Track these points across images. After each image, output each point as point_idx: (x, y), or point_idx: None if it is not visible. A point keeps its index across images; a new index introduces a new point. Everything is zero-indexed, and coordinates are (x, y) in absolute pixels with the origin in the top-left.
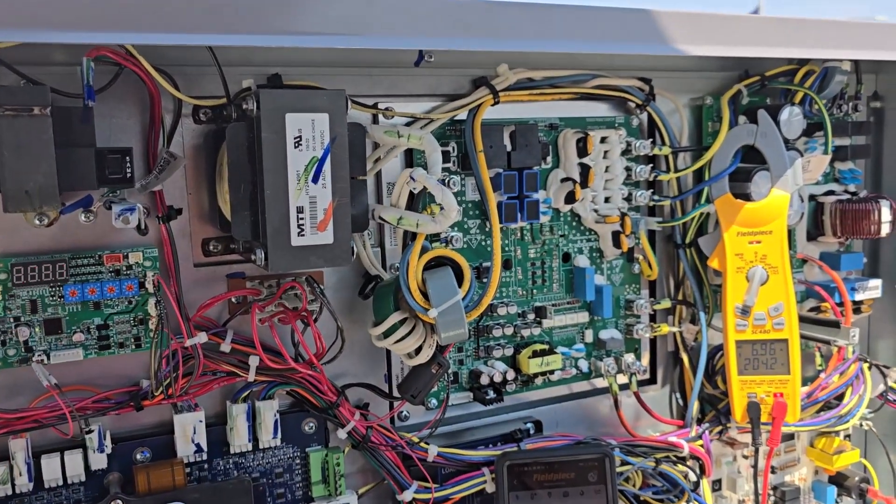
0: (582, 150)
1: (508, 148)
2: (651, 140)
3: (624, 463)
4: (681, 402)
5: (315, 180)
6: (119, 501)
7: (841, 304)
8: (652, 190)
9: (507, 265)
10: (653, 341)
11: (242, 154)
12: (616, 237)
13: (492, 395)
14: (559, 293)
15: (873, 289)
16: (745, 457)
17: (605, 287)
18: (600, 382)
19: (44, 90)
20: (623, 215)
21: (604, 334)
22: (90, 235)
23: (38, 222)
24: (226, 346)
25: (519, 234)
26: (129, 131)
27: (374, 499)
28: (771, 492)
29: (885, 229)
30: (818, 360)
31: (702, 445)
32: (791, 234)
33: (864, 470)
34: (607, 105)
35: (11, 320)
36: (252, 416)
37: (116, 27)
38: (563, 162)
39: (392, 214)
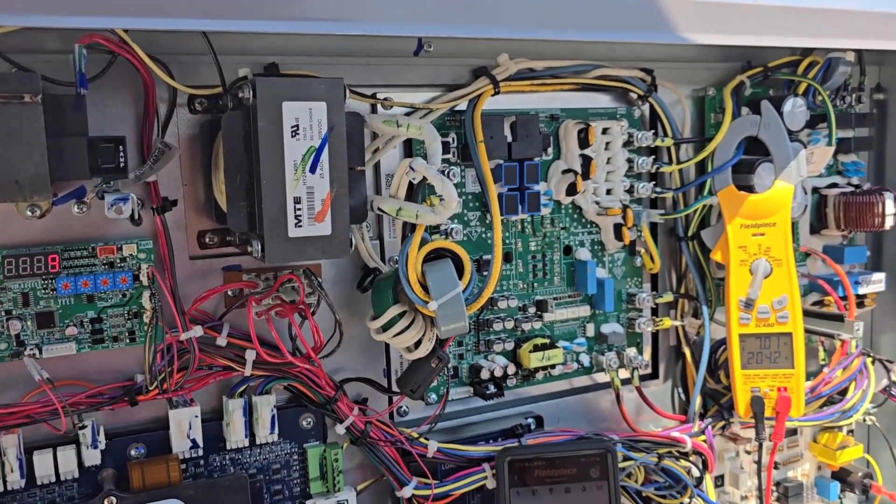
0: (583, 142)
1: (509, 139)
2: (653, 131)
3: (626, 458)
4: (683, 397)
5: (312, 170)
6: (113, 498)
7: (844, 298)
8: (654, 182)
9: (507, 258)
10: (654, 335)
11: (238, 144)
12: (618, 230)
13: (492, 389)
14: (560, 286)
15: (877, 282)
16: (748, 452)
17: (607, 280)
18: (601, 377)
19: (34, 77)
20: (625, 207)
21: (605, 328)
22: (83, 227)
23: (29, 213)
24: (222, 340)
25: (520, 227)
26: (123, 121)
27: (373, 495)
28: (774, 488)
29: (889, 222)
30: (821, 354)
31: (705, 441)
32: (794, 227)
33: (867, 465)
34: (609, 96)
35: (3, 313)
36: (249, 412)
37: (108, 12)
38: (565, 153)
39: (391, 205)
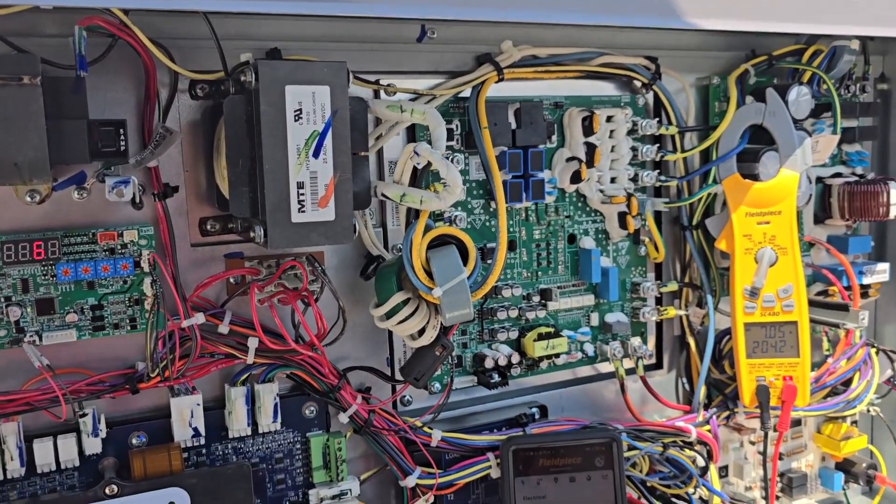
0: (588, 129)
1: (513, 126)
2: (657, 119)
3: (631, 448)
4: (687, 387)
5: (316, 155)
6: (115, 486)
7: (849, 288)
8: (658, 170)
9: (511, 246)
10: (659, 325)
11: (241, 128)
12: (622, 218)
13: (496, 378)
14: (564, 275)
15: (881, 272)
16: (753, 443)
17: (612, 269)
18: (605, 367)
19: (33, 58)
20: (629, 196)
21: (610, 318)
22: (83, 213)
23: (29, 199)
24: (224, 328)
25: (524, 215)
26: (123, 105)
27: (377, 485)
28: (778, 478)
29: (894, 212)
30: (825, 344)
31: (709, 430)
32: (798, 216)
33: (871, 456)
34: (613, 84)
35: (2, 300)
36: (251, 400)
37: None
38: (569, 141)
39: (395, 191)
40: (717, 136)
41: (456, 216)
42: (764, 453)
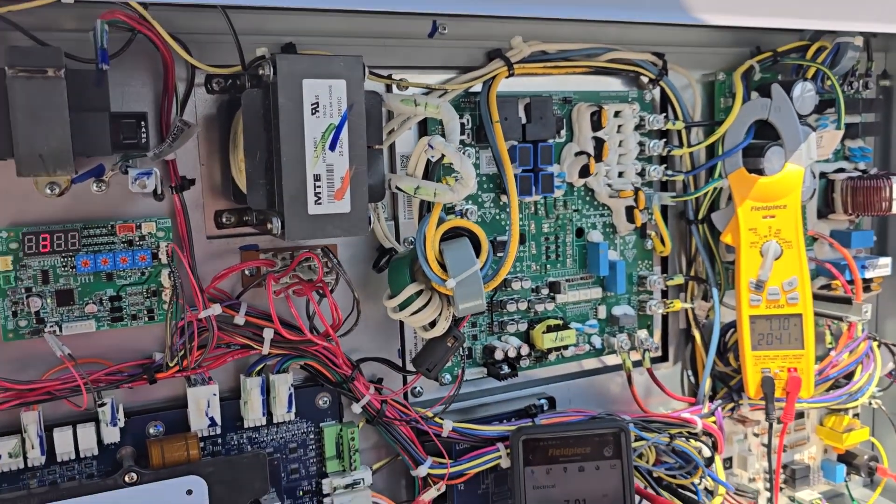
0: (596, 124)
1: (523, 120)
2: (664, 115)
3: (638, 438)
4: (692, 379)
5: (332, 148)
6: (134, 474)
7: (851, 282)
8: (665, 165)
9: (521, 239)
10: (665, 318)
11: (258, 121)
12: (629, 212)
13: (506, 370)
14: (573, 268)
15: (883, 267)
16: (756, 435)
17: (619, 262)
18: (612, 359)
19: (57, 52)
20: (636, 190)
21: (617, 310)
22: (102, 205)
23: (49, 192)
24: (240, 319)
25: (533, 209)
26: (141, 99)
27: (388, 474)
28: (781, 470)
29: None
30: (828, 337)
31: (714, 422)
32: (802, 211)
33: (872, 448)
34: (620, 80)
35: (23, 291)
36: (266, 391)
37: None
38: (578, 136)
39: (409, 184)
40: (723, 131)
41: (467, 209)
42: (769, 444)
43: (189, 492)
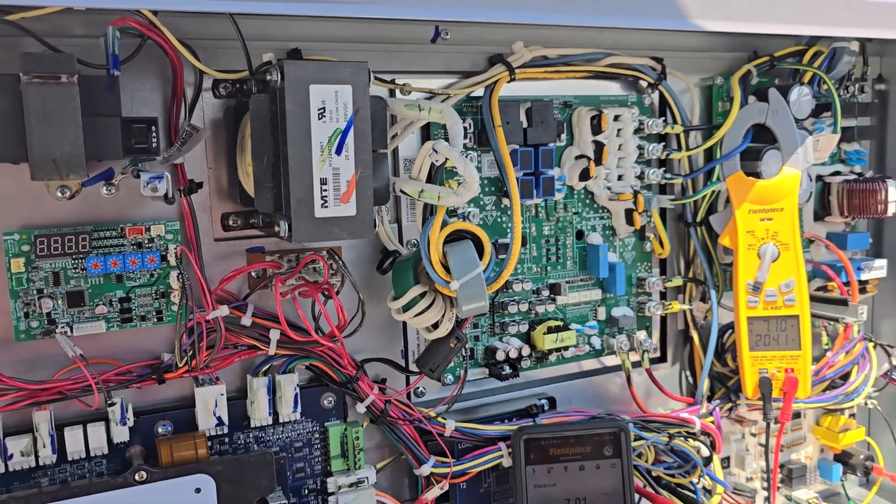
0: (596, 128)
1: (524, 124)
2: (663, 119)
3: (637, 438)
4: (690, 379)
5: (338, 152)
6: (143, 472)
7: (847, 284)
8: (664, 168)
9: (522, 242)
10: (663, 319)
11: (265, 126)
12: (629, 215)
13: (507, 370)
14: (573, 270)
15: (879, 269)
16: (754, 434)
17: (619, 264)
18: (612, 360)
19: (70, 58)
20: (636, 193)
21: (616, 312)
22: (112, 208)
23: (59, 195)
24: (246, 320)
25: (534, 212)
26: (150, 104)
27: (392, 473)
28: (778, 469)
29: (892, 209)
30: (824, 338)
31: (712, 422)
32: (798, 214)
33: (868, 448)
34: (620, 84)
35: (35, 292)
36: (272, 391)
37: None
38: (578, 139)
39: (413, 187)
40: (721, 134)
41: (469, 212)
42: (766, 443)
43: (198, 490)
